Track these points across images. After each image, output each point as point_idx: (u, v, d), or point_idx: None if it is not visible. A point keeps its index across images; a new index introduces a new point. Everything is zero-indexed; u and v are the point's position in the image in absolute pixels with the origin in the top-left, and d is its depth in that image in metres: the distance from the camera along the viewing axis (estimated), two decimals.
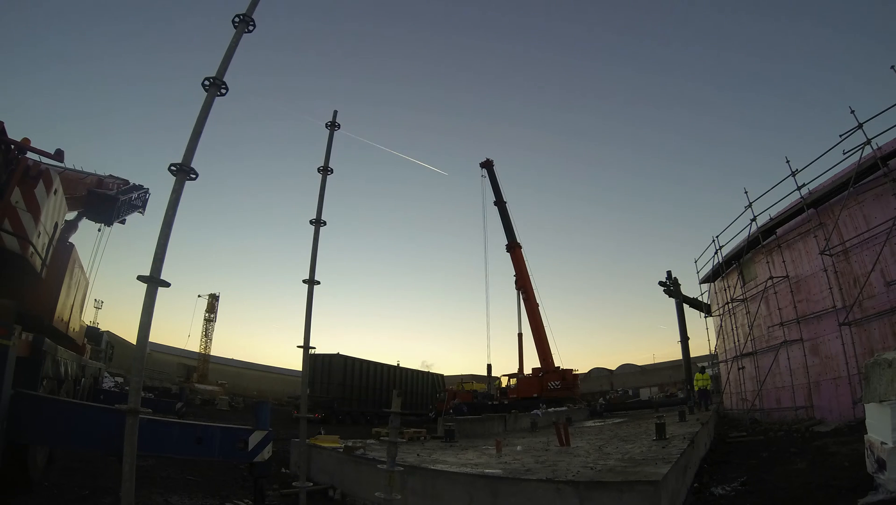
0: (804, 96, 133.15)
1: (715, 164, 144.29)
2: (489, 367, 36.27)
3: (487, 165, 33.53)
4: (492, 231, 46.42)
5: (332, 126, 5.90)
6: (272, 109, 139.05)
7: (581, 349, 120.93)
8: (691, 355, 24.25)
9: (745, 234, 16.79)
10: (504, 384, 32.01)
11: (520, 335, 32.15)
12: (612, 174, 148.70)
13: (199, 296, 45.84)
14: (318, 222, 5.46)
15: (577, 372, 30.47)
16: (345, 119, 6.02)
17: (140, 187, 12.32)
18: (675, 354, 27.79)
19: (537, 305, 29.77)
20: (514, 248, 31.33)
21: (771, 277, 14.80)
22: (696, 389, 19.00)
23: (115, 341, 23.53)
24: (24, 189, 6.22)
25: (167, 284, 3.16)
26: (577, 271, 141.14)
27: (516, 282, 30.96)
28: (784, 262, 14.38)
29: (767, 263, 15.50)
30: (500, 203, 32.48)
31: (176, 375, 40.84)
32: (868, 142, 11.00)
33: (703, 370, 19.29)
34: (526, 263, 31.03)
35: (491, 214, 35.68)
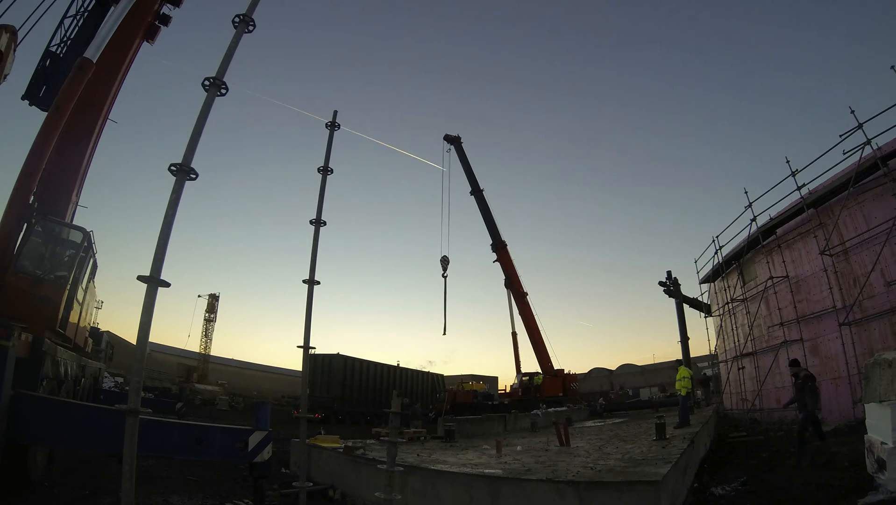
0: (804, 96, 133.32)
1: (715, 165, 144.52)
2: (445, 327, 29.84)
3: (454, 142, 30.77)
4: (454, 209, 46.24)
5: (332, 126, 5.89)
6: (272, 109, 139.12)
7: (581, 349, 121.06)
8: (691, 355, 24.24)
9: (745, 235, 16.79)
10: (514, 383, 31.66)
11: (514, 334, 31.98)
12: (612, 174, 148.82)
13: (199, 296, 45.95)
14: (318, 222, 5.45)
15: (573, 372, 30.30)
16: (345, 118, 6.03)
17: None
18: (676, 353, 27.75)
19: (530, 306, 29.08)
20: (500, 248, 29.77)
21: (771, 277, 14.79)
22: (683, 392, 12.91)
23: (115, 341, 23.56)
24: None
25: (167, 284, 3.15)
26: (578, 271, 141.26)
27: (506, 283, 30.01)
28: (784, 262, 14.37)
29: (767, 263, 15.49)
30: (478, 192, 30.10)
31: (176, 375, 40.87)
32: (868, 142, 10.99)
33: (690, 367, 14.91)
34: (513, 261, 29.81)
35: (459, 198, 33.16)
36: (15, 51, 7.92)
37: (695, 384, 22.39)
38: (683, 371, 13.17)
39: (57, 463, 7.93)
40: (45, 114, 7.64)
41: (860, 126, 11.15)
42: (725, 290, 19.04)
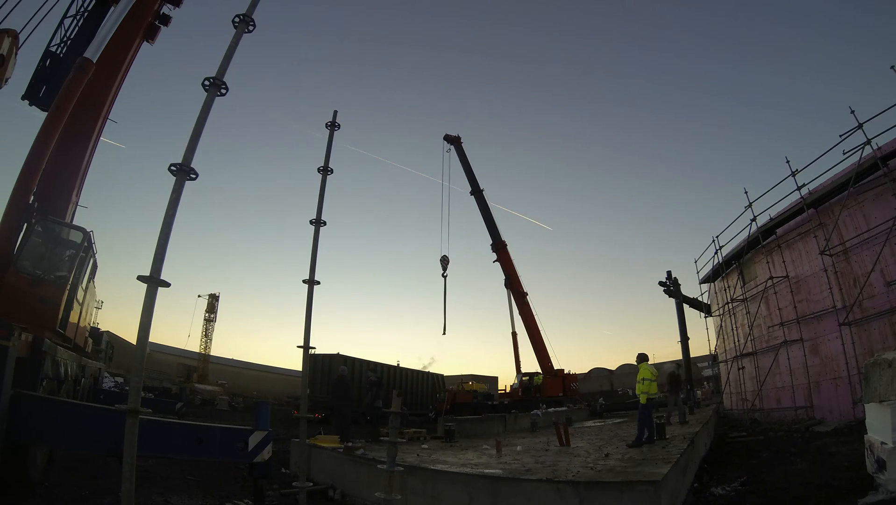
0: (804, 97, 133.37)
1: (715, 165, 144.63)
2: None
3: (454, 142, 30.89)
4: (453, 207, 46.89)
5: (332, 126, 5.88)
6: (272, 110, 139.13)
7: (581, 349, 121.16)
8: (691, 355, 24.25)
9: (745, 235, 16.80)
10: (514, 383, 31.63)
11: (514, 334, 31.96)
12: (612, 175, 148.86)
13: (199, 296, 45.81)
14: (318, 222, 5.44)
15: (573, 372, 30.27)
16: (345, 121, 6.01)
17: None
18: (676, 354, 27.76)
19: (530, 306, 29.02)
20: (500, 248, 29.90)
21: (771, 277, 14.79)
22: (643, 398, 9.41)
23: (115, 341, 23.53)
24: None
25: (167, 284, 3.15)
26: (578, 271, 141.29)
27: (506, 283, 30.02)
28: (784, 262, 14.37)
29: (767, 263, 15.49)
30: (478, 192, 30.20)
31: (176, 375, 40.78)
32: (868, 142, 11.00)
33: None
34: (513, 261, 29.84)
35: (459, 198, 33.54)
36: (16, 55, 7.92)
37: (689, 385, 22.19)
38: (645, 370, 9.61)
39: (57, 463, 7.92)
40: (45, 114, 7.65)
41: (860, 126, 11.15)
42: (725, 290, 19.04)
